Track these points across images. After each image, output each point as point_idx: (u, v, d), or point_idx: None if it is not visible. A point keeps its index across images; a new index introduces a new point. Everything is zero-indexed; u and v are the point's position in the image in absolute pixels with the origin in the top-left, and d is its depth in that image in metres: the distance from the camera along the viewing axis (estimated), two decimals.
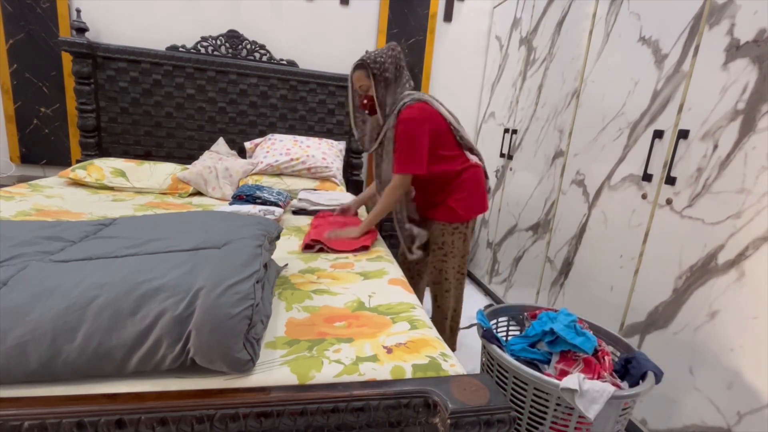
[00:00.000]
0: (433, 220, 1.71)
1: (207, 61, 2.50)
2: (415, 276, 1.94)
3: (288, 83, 2.66)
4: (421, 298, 1.99)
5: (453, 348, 1.86)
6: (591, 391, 1.08)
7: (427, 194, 1.71)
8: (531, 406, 1.19)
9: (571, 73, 1.98)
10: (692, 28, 1.37)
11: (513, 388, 1.22)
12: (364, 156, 2.98)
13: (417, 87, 2.94)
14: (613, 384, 1.26)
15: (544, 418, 1.18)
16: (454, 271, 1.73)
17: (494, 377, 1.29)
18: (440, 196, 1.67)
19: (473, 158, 1.69)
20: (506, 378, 1.24)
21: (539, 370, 1.26)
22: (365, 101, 1.64)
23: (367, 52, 1.59)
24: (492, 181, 2.79)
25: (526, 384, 1.18)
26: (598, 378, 1.19)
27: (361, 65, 1.59)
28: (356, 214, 1.99)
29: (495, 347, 1.26)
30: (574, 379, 1.09)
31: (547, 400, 1.16)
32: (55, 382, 0.72)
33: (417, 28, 2.84)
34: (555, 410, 1.16)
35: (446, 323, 1.81)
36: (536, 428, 1.20)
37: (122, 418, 0.65)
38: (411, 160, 1.55)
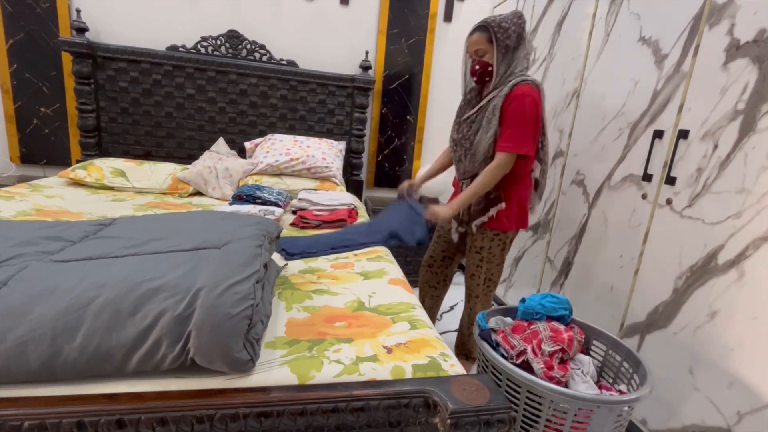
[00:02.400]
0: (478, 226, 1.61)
1: (207, 61, 2.50)
2: (440, 282, 1.89)
3: (288, 83, 2.66)
4: (438, 306, 1.95)
5: (475, 356, 1.82)
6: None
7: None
8: (525, 408, 1.19)
9: (571, 73, 1.98)
10: (692, 28, 1.37)
11: (507, 390, 1.22)
12: (365, 156, 2.98)
13: (417, 87, 2.94)
14: (606, 388, 1.27)
15: (538, 420, 1.18)
16: (484, 277, 1.67)
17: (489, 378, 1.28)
18: (504, 193, 1.55)
19: (539, 166, 1.61)
20: (500, 379, 1.24)
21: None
22: (477, 66, 1.50)
23: (491, 16, 1.49)
24: None
25: (520, 387, 1.18)
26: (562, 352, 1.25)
27: (483, 27, 1.47)
28: (413, 192, 1.86)
29: (489, 348, 1.27)
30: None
31: (540, 403, 1.16)
32: (55, 382, 0.72)
33: (417, 28, 2.84)
34: (550, 412, 1.15)
35: (471, 330, 1.75)
36: (530, 430, 1.20)
37: (122, 418, 0.65)
38: (525, 139, 1.44)
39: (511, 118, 1.44)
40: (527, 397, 1.17)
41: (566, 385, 1.21)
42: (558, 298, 1.43)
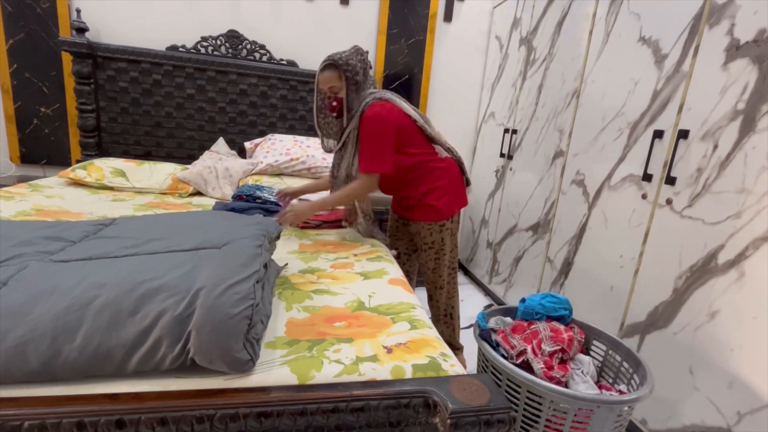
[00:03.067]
0: (417, 221, 1.70)
1: (207, 61, 2.50)
2: (411, 277, 1.94)
3: (288, 83, 2.66)
4: None
5: (458, 344, 1.87)
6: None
7: (402, 193, 1.70)
8: (525, 408, 1.19)
9: (571, 73, 1.98)
10: (692, 28, 1.37)
11: (507, 390, 1.23)
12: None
13: (417, 87, 2.95)
14: (605, 388, 1.27)
15: (537, 420, 1.18)
16: (447, 267, 1.75)
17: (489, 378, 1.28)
18: (416, 193, 1.64)
19: (444, 153, 1.69)
20: (500, 379, 1.24)
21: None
22: (334, 103, 1.58)
23: (335, 53, 1.56)
24: (492, 181, 2.79)
25: (519, 387, 1.19)
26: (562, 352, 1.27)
27: (332, 65, 1.53)
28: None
29: (489, 348, 1.27)
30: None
31: (540, 403, 1.16)
32: (55, 382, 0.72)
33: (417, 28, 2.84)
34: (550, 412, 1.16)
35: (445, 319, 1.83)
36: (530, 430, 1.20)
37: (122, 418, 0.65)
38: (377, 159, 1.52)
39: (361, 140, 1.54)
40: (527, 397, 1.18)
41: (566, 385, 1.21)
42: (558, 298, 1.43)
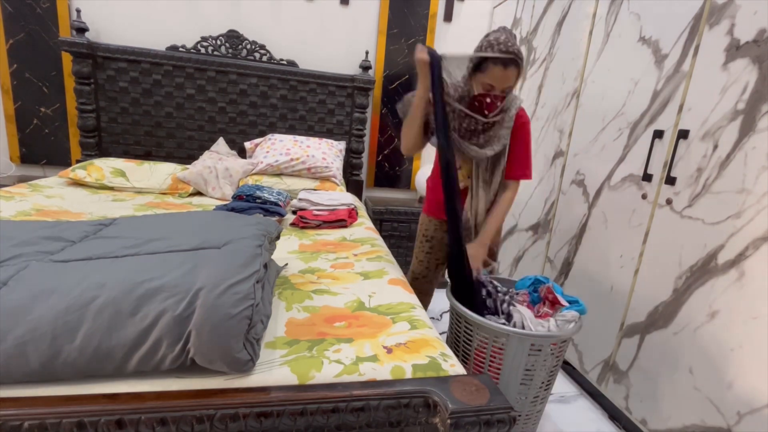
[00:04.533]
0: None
1: (207, 61, 2.50)
2: (432, 289, 1.78)
3: (288, 83, 2.66)
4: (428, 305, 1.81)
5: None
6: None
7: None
8: (465, 333, 1.40)
9: (571, 73, 1.98)
10: (692, 28, 1.37)
11: (466, 328, 1.40)
12: (365, 156, 2.97)
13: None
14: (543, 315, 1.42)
15: (470, 344, 1.39)
16: None
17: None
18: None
19: None
20: (459, 321, 1.44)
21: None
22: (499, 103, 1.34)
23: (505, 40, 1.26)
24: None
25: (470, 324, 1.37)
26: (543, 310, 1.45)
27: (516, 62, 1.27)
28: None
29: (450, 294, 1.45)
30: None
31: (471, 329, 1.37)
32: (55, 382, 0.72)
33: (417, 28, 2.84)
34: (481, 340, 1.35)
35: None
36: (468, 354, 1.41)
37: (122, 418, 0.65)
38: (531, 166, 1.50)
39: (524, 144, 1.46)
40: (467, 327, 1.39)
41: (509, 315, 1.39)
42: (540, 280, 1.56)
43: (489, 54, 1.28)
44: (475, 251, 1.44)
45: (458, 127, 1.42)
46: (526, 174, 1.49)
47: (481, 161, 1.46)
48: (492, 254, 1.61)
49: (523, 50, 2.46)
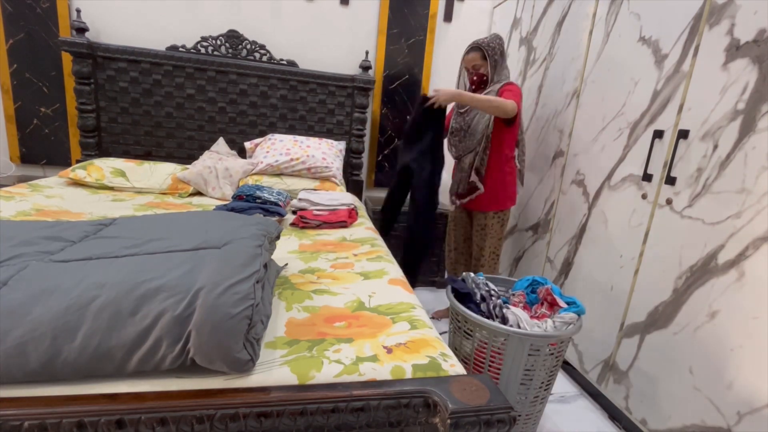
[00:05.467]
0: (479, 211, 2.09)
1: (207, 61, 2.50)
2: (467, 259, 2.31)
3: (288, 83, 2.66)
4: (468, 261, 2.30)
5: None
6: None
7: (480, 165, 1.99)
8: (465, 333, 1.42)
9: (571, 73, 1.98)
10: (692, 28, 1.37)
11: (466, 329, 1.42)
12: (365, 156, 2.97)
13: (417, 87, 2.95)
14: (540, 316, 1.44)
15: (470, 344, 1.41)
16: (490, 251, 2.08)
17: (454, 320, 1.50)
18: (493, 177, 1.99)
19: (520, 157, 2.08)
20: (458, 316, 1.46)
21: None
22: (475, 78, 1.97)
23: (480, 38, 1.97)
24: None
25: (465, 320, 1.40)
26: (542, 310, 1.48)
27: (477, 48, 1.95)
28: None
29: (452, 295, 1.47)
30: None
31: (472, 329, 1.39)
32: (55, 382, 0.72)
33: (417, 28, 2.84)
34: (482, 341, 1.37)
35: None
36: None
37: (122, 418, 0.65)
38: (518, 104, 1.83)
39: (507, 92, 1.86)
40: (468, 328, 1.41)
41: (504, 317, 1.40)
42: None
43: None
44: (444, 89, 1.88)
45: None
46: (508, 96, 1.82)
47: (465, 119, 2.05)
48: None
49: (523, 50, 2.46)
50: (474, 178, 2.01)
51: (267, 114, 2.70)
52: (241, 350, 0.76)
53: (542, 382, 1.38)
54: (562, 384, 1.91)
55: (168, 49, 2.51)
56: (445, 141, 2.08)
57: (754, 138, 1.16)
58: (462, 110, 2.06)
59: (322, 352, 0.86)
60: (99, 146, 2.51)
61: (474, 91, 1.99)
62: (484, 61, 1.94)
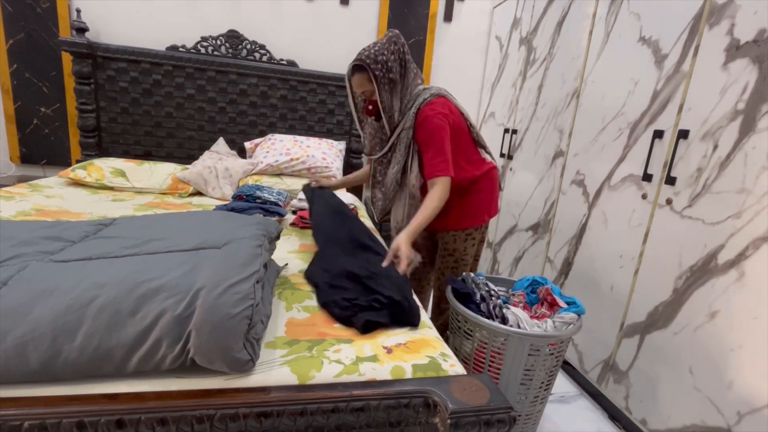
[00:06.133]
0: (444, 231, 1.58)
1: (207, 61, 2.50)
2: (424, 284, 1.81)
3: (288, 83, 2.66)
4: (426, 306, 1.85)
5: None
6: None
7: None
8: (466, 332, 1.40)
9: (571, 73, 1.98)
10: (692, 28, 1.37)
11: (466, 330, 1.40)
12: (364, 156, 2.97)
13: None
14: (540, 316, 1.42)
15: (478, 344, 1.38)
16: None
17: (454, 320, 1.48)
18: (454, 203, 1.47)
19: (488, 158, 1.58)
20: (458, 316, 1.44)
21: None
22: (370, 107, 1.43)
23: (365, 48, 1.36)
24: None
25: (465, 320, 1.38)
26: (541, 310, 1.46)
27: (360, 67, 1.36)
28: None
29: (452, 295, 1.43)
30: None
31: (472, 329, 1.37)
32: (55, 382, 0.72)
33: (417, 28, 2.84)
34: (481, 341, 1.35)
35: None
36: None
37: (122, 418, 0.65)
38: (448, 161, 1.37)
39: (428, 142, 1.39)
40: (468, 328, 1.39)
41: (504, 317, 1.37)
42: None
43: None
44: (396, 244, 1.26)
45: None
46: (435, 172, 1.36)
47: (381, 171, 1.57)
48: (416, 247, 1.42)
49: (523, 50, 2.46)
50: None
51: (267, 114, 2.70)
52: (241, 350, 0.76)
53: (542, 382, 1.38)
54: (562, 384, 1.91)
55: (168, 49, 2.51)
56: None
57: (754, 138, 1.16)
58: (376, 158, 1.56)
59: (322, 352, 0.86)
60: (99, 146, 2.52)
61: (377, 120, 1.47)
62: (372, 85, 1.37)
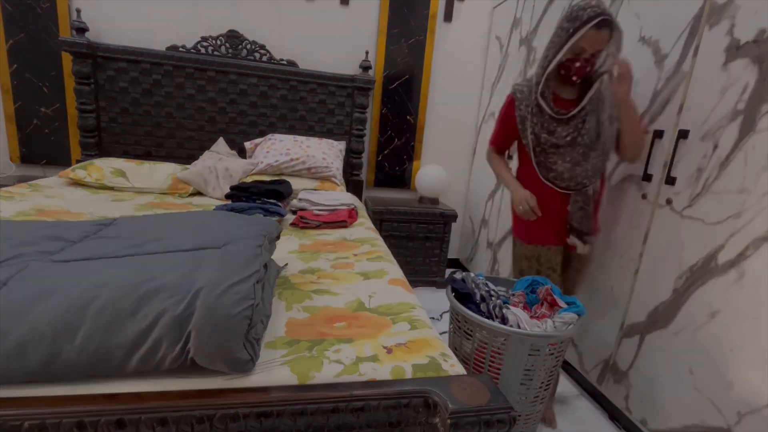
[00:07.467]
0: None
1: (207, 61, 2.50)
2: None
3: (288, 83, 2.66)
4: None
5: None
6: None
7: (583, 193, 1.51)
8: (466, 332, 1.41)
9: None
10: (692, 28, 1.37)
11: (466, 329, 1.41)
12: (365, 156, 2.97)
13: (417, 87, 2.95)
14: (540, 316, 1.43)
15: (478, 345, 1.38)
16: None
17: (454, 320, 1.50)
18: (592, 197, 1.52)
19: None
20: (458, 316, 1.45)
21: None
22: (585, 66, 1.37)
23: (600, 4, 1.31)
24: (492, 181, 2.79)
25: (465, 320, 1.39)
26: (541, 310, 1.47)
27: (607, 23, 1.30)
28: None
29: (452, 295, 1.45)
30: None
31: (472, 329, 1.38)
32: (55, 382, 0.72)
33: (417, 28, 2.84)
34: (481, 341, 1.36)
35: None
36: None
37: (122, 418, 0.65)
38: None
39: (629, 101, 1.40)
40: (468, 328, 1.40)
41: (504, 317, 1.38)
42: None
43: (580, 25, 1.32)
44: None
45: (538, 143, 1.49)
46: (644, 129, 1.38)
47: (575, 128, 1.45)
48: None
49: (523, 50, 2.46)
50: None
51: (267, 114, 2.70)
52: (241, 350, 0.76)
53: (542, 382, 1.38)
54: (562, 384, 1.91)
55: (168, 49, 2.51)
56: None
57: (754, 138, 1.16)
58: (564, 117, 1.46)
59: (322, 352, 0.86)
60: (99, 146, 2.52)
61: (573, 82, 1.45)
62: (605, 44, 1.35)
